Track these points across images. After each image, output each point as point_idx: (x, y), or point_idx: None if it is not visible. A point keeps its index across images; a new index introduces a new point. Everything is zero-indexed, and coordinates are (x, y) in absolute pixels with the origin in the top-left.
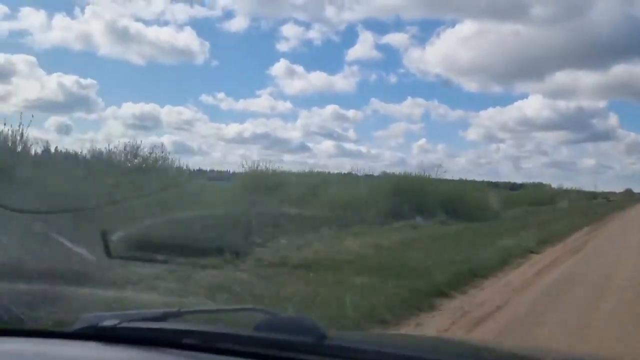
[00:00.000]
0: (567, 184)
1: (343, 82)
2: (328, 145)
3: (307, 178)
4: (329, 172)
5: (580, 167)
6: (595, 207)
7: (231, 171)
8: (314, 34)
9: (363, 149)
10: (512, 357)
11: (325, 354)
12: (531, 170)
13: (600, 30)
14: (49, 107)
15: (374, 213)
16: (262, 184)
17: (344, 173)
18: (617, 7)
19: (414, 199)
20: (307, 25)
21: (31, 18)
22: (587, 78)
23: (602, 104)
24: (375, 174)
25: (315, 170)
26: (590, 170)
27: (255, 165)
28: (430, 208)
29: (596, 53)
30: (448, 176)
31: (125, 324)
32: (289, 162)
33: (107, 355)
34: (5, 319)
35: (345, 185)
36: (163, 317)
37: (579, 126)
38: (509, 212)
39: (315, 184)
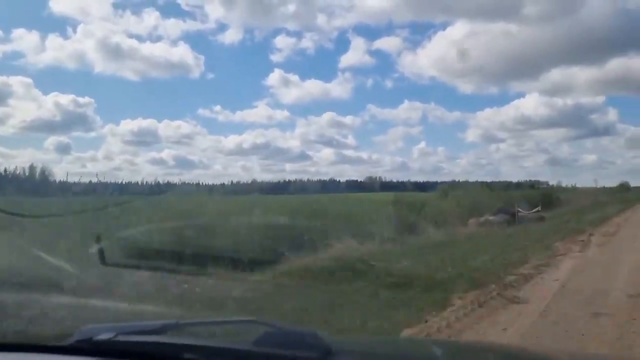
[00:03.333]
0: (568, 181)
1: (338, 88)
2: (328, 152)
3: None
4: None
5: (581, 164)
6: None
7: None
8: (307, 43)
9: (364, 155)
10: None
11: None
12: (532, 168)
13: (594, 25)
14: (47, 127)
15: None
16: None
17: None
18: (610, 1)
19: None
20: (300, 34)
21: (24, 39)
22: (583, 74)
23: (600, 99)
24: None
25: None
26: (592, 166)
27: None
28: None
29: (591, 48)
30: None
31: (122, 337)
32: (291, 172)
33: None
34: None
35: None
36: (161, 330)
37: (578, 123)
38: None
39: None
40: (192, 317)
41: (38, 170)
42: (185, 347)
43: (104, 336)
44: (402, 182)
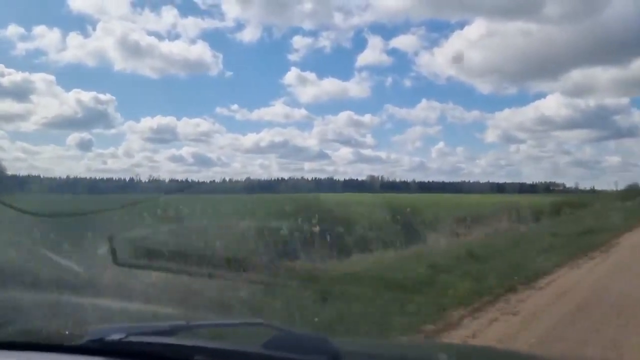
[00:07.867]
0: (588, 184)
1: (356, 88)
2: (346, 151)
3: None
4: None
5: (604, 166)
6: None
7: None
8: (324, 41)
9: (382, 154)
10: None
11: None
12: (553, 170)
13: (617, 24)
14: (68, 123)
15: None
16: None
17: None
18: (633, 1)
19: None
20: (316, 33)
21: (46, 37)
22: (606, 74)
23: (624, 100)
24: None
25: None
26: (615, 168)
27: None
28: None
29: (614, 48)
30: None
31: (133, 338)
32: (309, 170)
33: None
34: (10, 331)
35: None
36: (171, 331)
37: (601, 124)
38: None
39: None
40: (201, 318)
41: None
42: (195, 349)
43: (115, 336)
44: (405, 182)
